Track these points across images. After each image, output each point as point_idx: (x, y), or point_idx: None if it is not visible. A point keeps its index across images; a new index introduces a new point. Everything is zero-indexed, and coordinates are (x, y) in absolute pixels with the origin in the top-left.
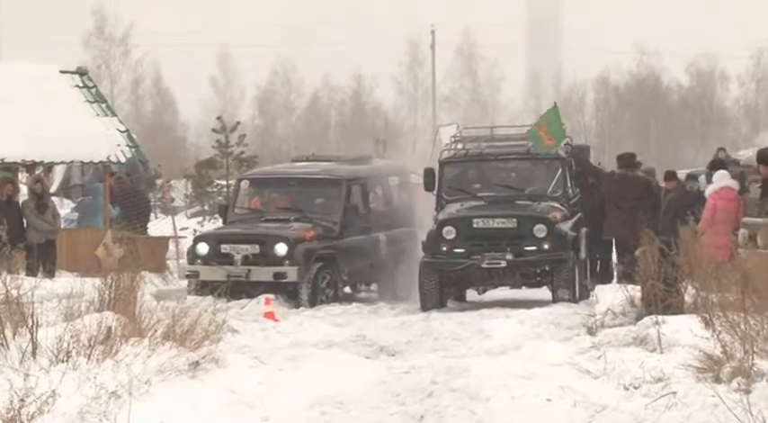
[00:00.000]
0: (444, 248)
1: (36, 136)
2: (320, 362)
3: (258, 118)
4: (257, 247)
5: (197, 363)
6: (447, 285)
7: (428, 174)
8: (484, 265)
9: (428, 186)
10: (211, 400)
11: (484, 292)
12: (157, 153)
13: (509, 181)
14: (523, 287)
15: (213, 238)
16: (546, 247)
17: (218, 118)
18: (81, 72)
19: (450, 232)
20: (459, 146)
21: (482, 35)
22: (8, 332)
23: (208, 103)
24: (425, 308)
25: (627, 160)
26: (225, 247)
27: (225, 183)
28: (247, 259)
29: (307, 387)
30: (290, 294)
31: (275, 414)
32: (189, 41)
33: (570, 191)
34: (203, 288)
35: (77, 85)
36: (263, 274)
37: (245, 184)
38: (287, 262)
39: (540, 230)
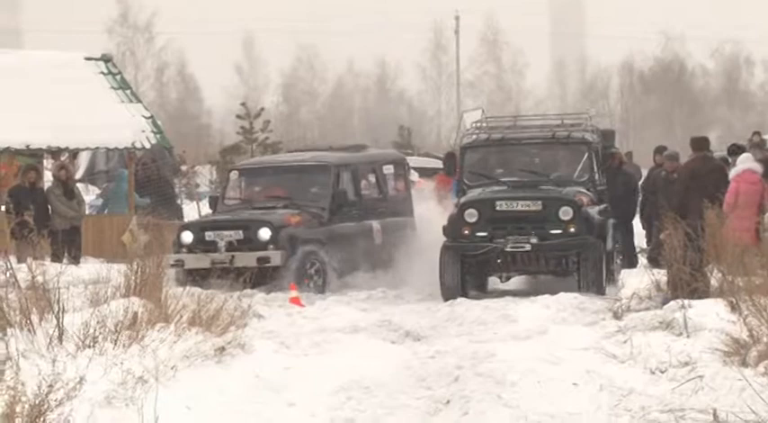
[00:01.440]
0: (466, 232)
1: (61, 123)
2: (346, 347)
3: (282, 104)
4: (241, 232)
5: (223, 348)
6: (469, 272)
7: (449, 158)
8: (507, 249)
9: (449, 171)
10: (237, 386)
11: (507, 279)
12: (182, 139)
13: (533, 166)
14: (548, 275)
15: (197, 226)
16: (572, 230)
17: (243, 104)
18: (105, 59)
19: (471, 215)
20: (481, 131)
21: (506, 21)
22: (35, 318)
23: (232, 90)
24: (447, 297)
25: (701, 143)
26: (209, 235)
27: None
28: (231, 245)
29: (332, 372)
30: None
31: (301, 399)
32: (213, 28)
33: (597, 177)
34: (188, 276)
35: (102, 72)
36: (247, 259)
37: (234, 175)
38: (271, 246)
39: (565, 213)
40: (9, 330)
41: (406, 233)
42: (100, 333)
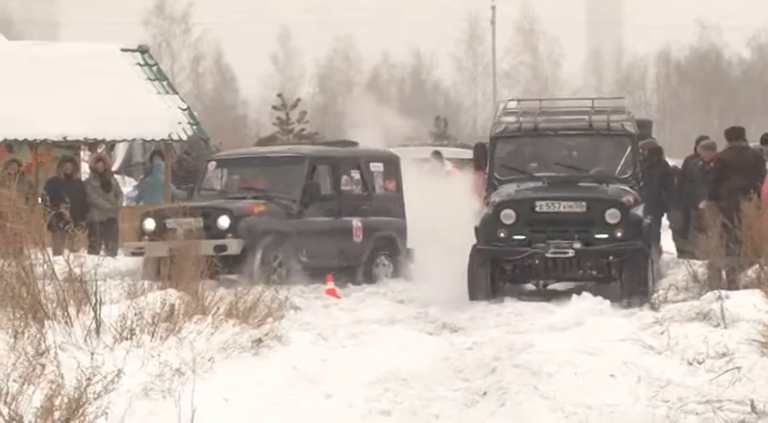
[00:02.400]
0: (502, 235)
1: (98, 114)
2: (382, 338)
3: (318, 95)
4: (201, 220)
5: (260, 340)
6: (501, 278)
7: (479, 150)
8: (548, 255)
9: (479, 164)
10: (274, 377)
11: (545, 286)
12: (218, 130)
13: (570, 160)
14: (589, 281)
15: (159, 214)
16: (619, 235)
17: (279, 95)
18: (142, 50)
19: (508, 216)
20: (511, 119)
21: (542, 11)
22: (72, 310)
23: (268, 81)
24: (475, 299)
25: (736, 133)
26: (170, 222)
27: None
28: (191, 233)
29: (369, 363)
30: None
31: (338, 391)
32: (249, 19)
33: (639, 172)
34: (154, 265)
35: (138, 64)
36: (205, 247)
37: (211, 166)
38: (229, 235)
39: (612, 216)
40: (47, 323)
41: (392, 234)
42: (137, 325)
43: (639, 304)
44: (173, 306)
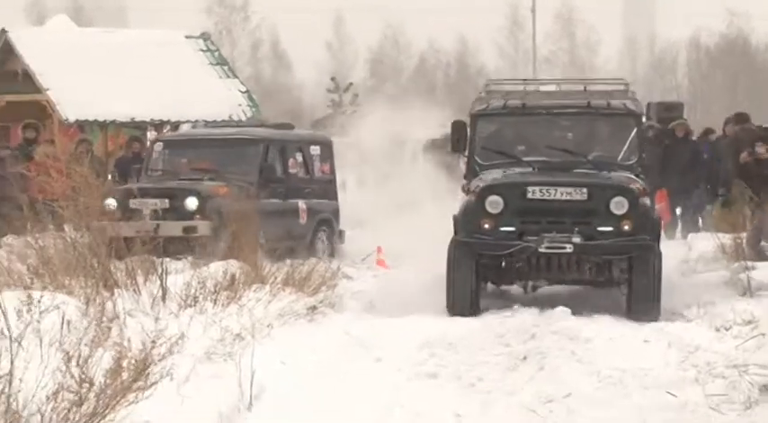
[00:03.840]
0: (487, 226)
1: (163, 97)
2: (428, 306)
3: (369, 79)
4: (167, 201)
5: (314, 307)
6: (485, 278)
7: (457, 129)
8: (542, 250)
9: (455, 146)
10: (328, 342)
11: (534, 290)
12: (275, 112)
13: (565, 143)
14: (588, 285)
15: (122, 194)
16: (626, 228)
17: (333, 79)
18: (204, 37)
19: (495, 204)
20: (495, 96)
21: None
22: (140, 279)
23: (322, 65)
24: (455, 310)
25: (744, 117)
26: (134, 203)
27: (340, 139)
28: (156, 214)
29: (416, 330)
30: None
31: (388, 355)
32: (304, 7)
33: (645, 159)
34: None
35: (201, 50)
36: (173, 228)
37: (158, 146)
38: (197, 217)
39: (619, 205)
40: (116, 291)
41: (329, 216)
42: (200, 293)
43: (647, 315)
44: (233, 276)
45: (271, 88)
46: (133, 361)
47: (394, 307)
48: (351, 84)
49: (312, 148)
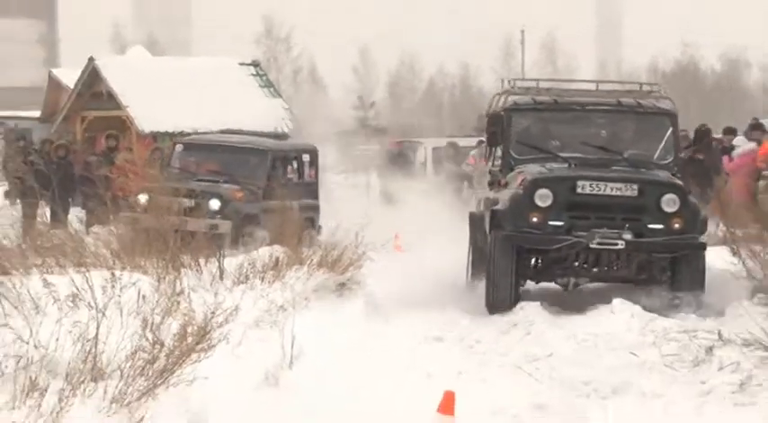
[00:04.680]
0: (535, 219)
1: (220, 112)
2: (437, 283)
3: (388, 98)
4: (192, 201)
5: (343, 284)
6: (525, 274)
7: (494, 121)
8: (593, 246)
9: (492, 139)
10: (354, 313)
11: (575, 287)
12: (312, 125)
13: (599, 140)
14: (633, 283)
15: (153, 191)
16: (676, 226)
17: (359, 98)
18: (254, 64)
19: (545, 197)
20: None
21: (561, 32)
22: (202, 261)
23: (350, 87)
24: (495, 307)
25: (704, 134)
26: (165, 199)
27: (365, 147)
28: (184, 211)
29: (428, 303)
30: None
31: (403, 323)
32: (336, 40)
33: (680, 159)
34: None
35: (252, 74)
36: (199, 225)
37: (179, 148)
38: (218, 216)
39: (670, 202)
40: (183, 270)
41: (313, 215)
42: (251, 273)
43: (694, 309)
44: (278, 258)
45: (310, 106)
46: (196, 328)
47: (408, 284)
48: (373, 102)
49: (303, 156)
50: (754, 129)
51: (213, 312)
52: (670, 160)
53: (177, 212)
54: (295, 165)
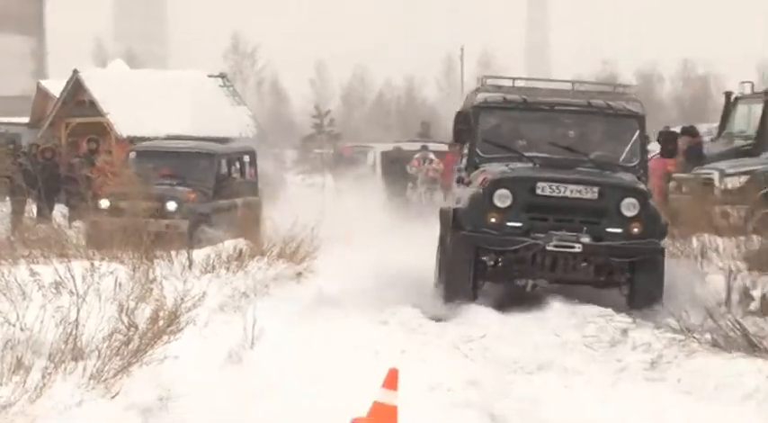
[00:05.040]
0: (494, 220)
1: (191, 119)
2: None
3: (342, 107)
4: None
5: (300, 273)
6: (483, 275)
7: (462, 120)
8: (550, 248)
9: (459, 136)
10: (309, 299)
11: (534, 287)
12: (274, 131)
13: (566, 141)
14: (590, 285)
15: (114, 196)
16: (635, 230)
17: (316, 107)
18: (222, 76)
19: (504, 198)
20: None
21: (494, 48)
22: (173, 253)
23: (308, 97)
24: (451, 299)
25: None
26: (123, 204)
27: (320, 151)
28: (143, 213)
29: (375, 290)
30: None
31: (353, 306)
32: (296, 56)
33: (646, 162)
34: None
35: (220, 85)
36: (158, 225)
37: (133, 155)
38: (176, 216)
39: (630, 206)
40: (155, 261)
41: (256, 210)
42: (217, 263)
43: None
44: (241, 250)
45: (270, 114)
46: (167, 312)
47: (358, 274)
48: (328, 111)
49: (245, 157)
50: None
51: (182, 298)
52: (636, 163)
53: (139, 215)
54: (238, 165)
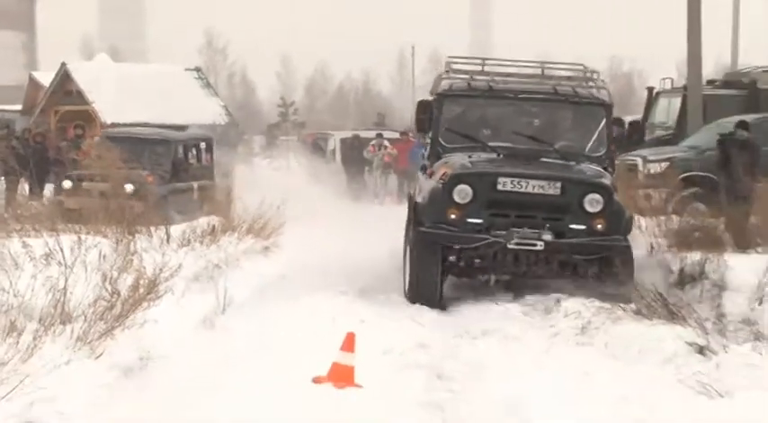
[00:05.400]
0: (453, 216)
1: (169, 108)
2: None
3: (305, 98)
4: (109, 185)
5: (267, 247)
6: (446, 270)
7: (423, 109)
8: (511, 246)
9: (421, 125)
10: (275, 271)
11: (495, 283)
12: (243, 119)
13: (531, 130)
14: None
15: (75, 177)
16: (599, 227)
17: (282, 98)
18: (197, 69)
19: (464, 193)
20: (460, 77)
21: (443, 48)
22: (152, 228)
23: (274, 89)
24: (419, 300)
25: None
26: (86, 185)
27: (286, 138)
28: (103, 194)
29: (335, 261)
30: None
31: (316, 275)
32: (265, 51)
33: (613, 152)
34: (66, 213)
35: (195, 78)
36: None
37: (98, 140)
38: (134, 198)
39: (593, 202)
40: (137, 235)
41: (211, 192)
42: (192, 237)
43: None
44: (214, 226)
45: (240, 104)
46: (147, 281)
47: (320, 248)
48: (293, 101)
49: (201, 143)
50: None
51: (161, 269)
52: (602, 153)
53: (97, 196)
54: (194, 151)
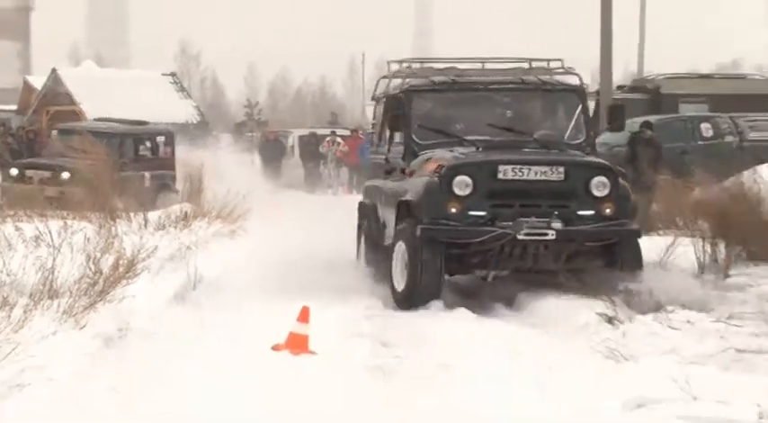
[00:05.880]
0: (453, 210)
1: (147, 107)
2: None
3: (268, 99)
4: (48, 173)
5: (234, 231)
6: (447, 269)
7: (392, 105)
8: (521, 237)
9: (392, 124)
10: (242, 252)
11: (495, 278)
12: (214, 119)
13: (505, 121)
14: (563, 272)
15: (21, 166)
16: (608, 211)
17: (247, 100)
18: (172, 74)
19: (464, 185)
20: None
21: (390, 55)
22: (131, 214)
23: (241, 91)
24: (418, 302)
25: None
26: (29, 173)
27: (250, 135)
28: (42, 181)
29: (299, 242)
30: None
31: (281, 256)
32: (233, 59)
33: (594, 138)
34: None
35: (170, 82)
36: (54, 191)
37: (54, 133)
38: (70, 184)
39: (600, 186)
40: (117, 220)
41: (168, 181)
42: (167, 222)
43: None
44: (186, 212)
45: (211, 105)
46: (126, 261)
47: (282, 232)
48: (257, 102)
49: (158, 138)
50: None
51: (139, 250)
52: (582, 140)
53: (39, 182)
54: (149, 144)
